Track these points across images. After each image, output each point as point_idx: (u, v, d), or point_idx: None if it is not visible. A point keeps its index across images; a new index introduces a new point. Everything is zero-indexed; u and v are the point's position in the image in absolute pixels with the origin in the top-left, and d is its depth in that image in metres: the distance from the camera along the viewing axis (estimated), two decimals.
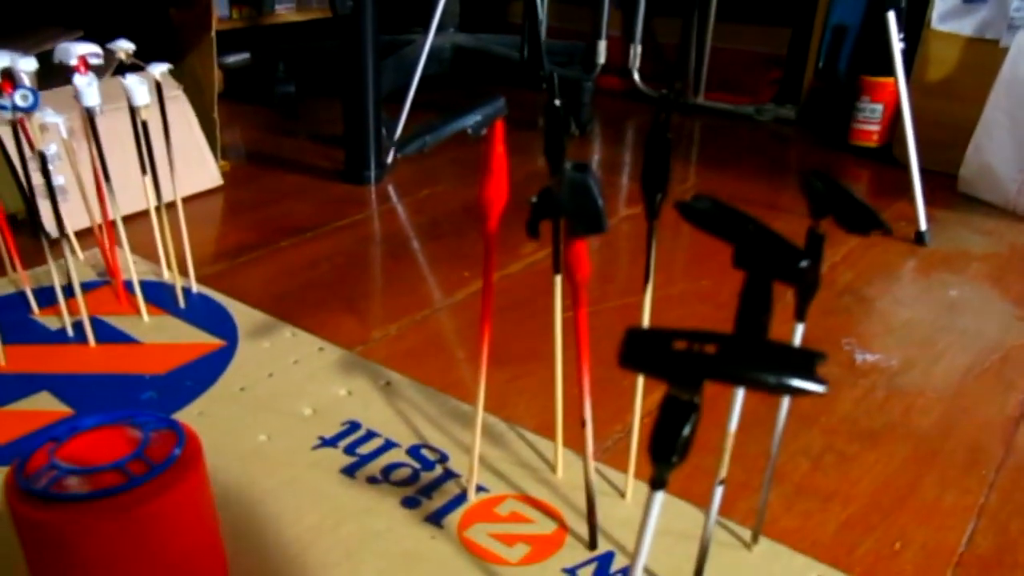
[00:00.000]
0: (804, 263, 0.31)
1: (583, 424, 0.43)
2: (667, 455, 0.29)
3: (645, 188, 0.44)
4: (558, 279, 0.50)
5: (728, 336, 0.28)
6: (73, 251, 0.89)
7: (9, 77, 0.65)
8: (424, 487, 0.57)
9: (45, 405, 0.66)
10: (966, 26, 1.28)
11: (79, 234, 0.91)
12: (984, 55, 1.25)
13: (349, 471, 0.59)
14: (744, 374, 0.27)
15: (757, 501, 0.57)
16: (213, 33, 1.16)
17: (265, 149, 1.40)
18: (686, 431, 0.29)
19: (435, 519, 0.54)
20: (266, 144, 1.43)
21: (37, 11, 1.30)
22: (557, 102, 0.45)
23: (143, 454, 0.44)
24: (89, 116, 0.69)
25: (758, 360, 0.27)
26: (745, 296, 0.34)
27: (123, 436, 0.46)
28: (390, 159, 0.33)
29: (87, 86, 0.66)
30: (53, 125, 0.69)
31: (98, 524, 0.41)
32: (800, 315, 0.41)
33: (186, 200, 1.13)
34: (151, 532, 0.42)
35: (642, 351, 0.28)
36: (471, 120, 0.38)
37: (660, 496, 0.30)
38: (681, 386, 0.28)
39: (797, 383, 0.27)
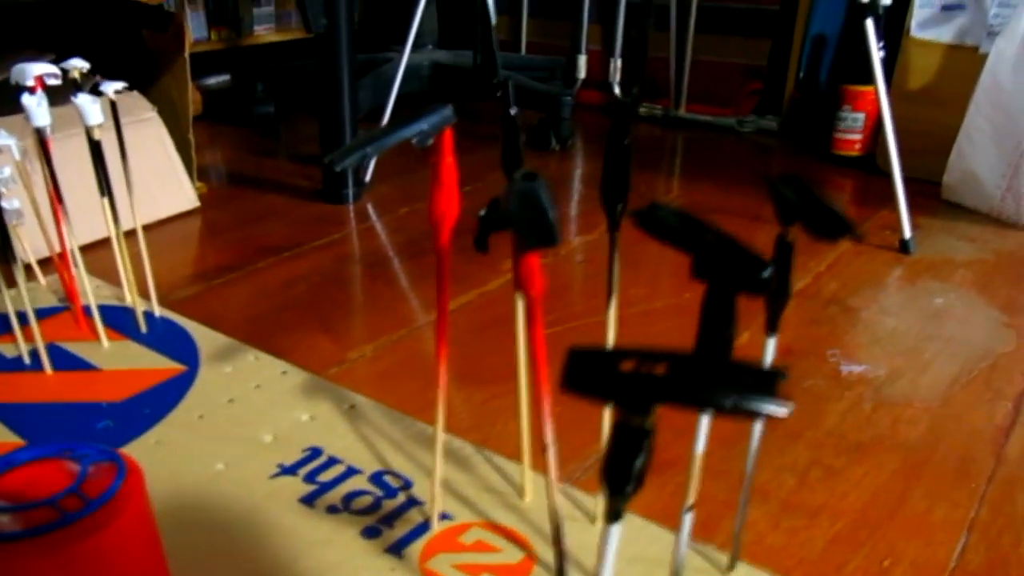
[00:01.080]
0: (767, 272, 0.29)
1: (543, 449, 0.41)
2: (621, 486, 0.27)
3: (605, 198, 0.42)
4: (519, 296, 0.47)
5: (680, 355, 0.26)
6: (32, 277, 0.87)
7: None
8: (385, 516, 0.55)
9: None
10: (945, 33, 1.27)
11: (45, 260, 0.89)
12: (964, 62, 1.24)
13: (308, 500, 0.56)
14: (697, 397, 0.25)
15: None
16: (187, 54, 1.15)
17: (244, 170, 1.39)
18: (639, 461, 0.26)
19: (395, 550, 0.52)
20: (245, 165, 1.41)
21: (7, 37, 1.28)
22: (513, 111, 0.43)
23: (79, 489, 0.41)
24: (40, 137, 0.67)
25: (713, 381, 0.25)
26: (706, 309, 0.32)
27: (61, 470, 0.43)
28: (337, 169, 0.31)
29: (36, 106, 0.64)
30: (6, 147, 0.67)
31: (28, 563, 0.38)
32: (771, 327, 0.39)
33: (161, 223, 1.12)
34: (86, 570, 0.40)
35: (586, 373, 0.26)
36: (416, 129, 0.36)
37: (617, 529, 0.28)
38: (630, 411, 0.26)
39: (756, 406, 0.24)
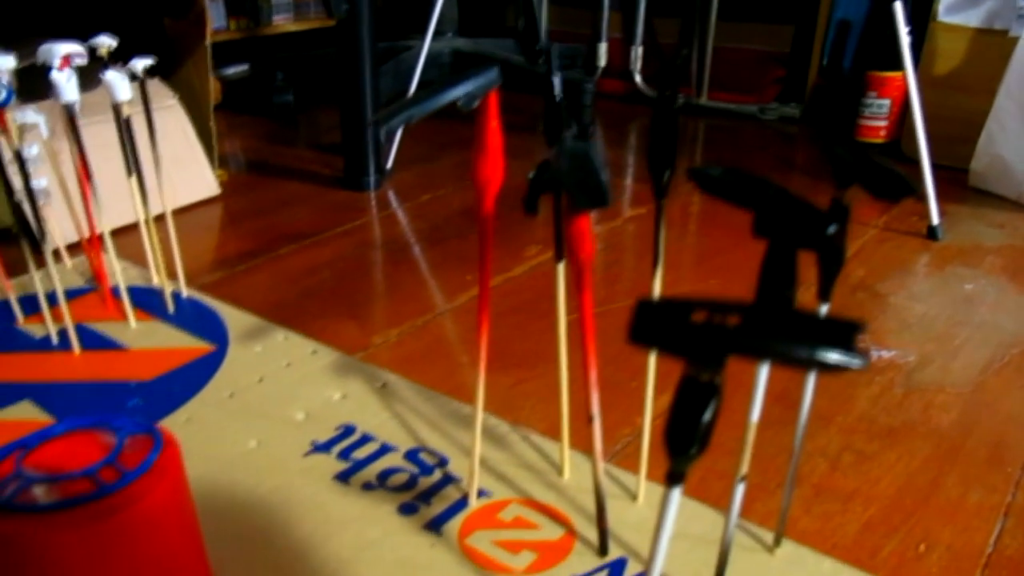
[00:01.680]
0: (832, 228, 0.28)
1: (590, 420, 0.40)
2: (686, 445, 0.26)
3: (651, 165, 0.41)
4: (560, 267, 0.46)
5: (752, 306, 0.25)
6: (59, 257, 0.87)
7: None
8: (422, 492, 0.54)
9: (26, 414, 0.63)
10: (973, 17, 1.25)
11: (72, 243, 0.89)
12: (993, 46, 1.22)
13: (343, 477, 0.55)
14: (773, 347, 0.24)
15: (774, 503, 0.55)
16: (208, 43, 1.15)
17: (264, 158, 1.38)
18: (707, 416, 0.25)
19: (434, 526, 0.51)
20: (265, 153, 1.41)
21: (31, 25, 1.28)
22: (556, 78, 0.43)
23: (116, 460, 0.41)
24: (69, 114, 0.66)
25: (788, 331, 0.24)
26: (767, 267, 0.31)
27: (96, 442, 0.43)
28: (383, 131, 0.31)
29: (66, 81, 0.63)
30: (34, 126, 0.67)
31: (64, 535, 0.38)
32: (824, 294, 0.38)
33: (184, 210, 1.11)
34: (122, 543, 0.39)
35: (655, 324, 0.25)
36: (461, 91, 0.35)
37: (677, 492, 0.27)
38: (702, 364, 0.25)
39: (834, 357, 0.23)
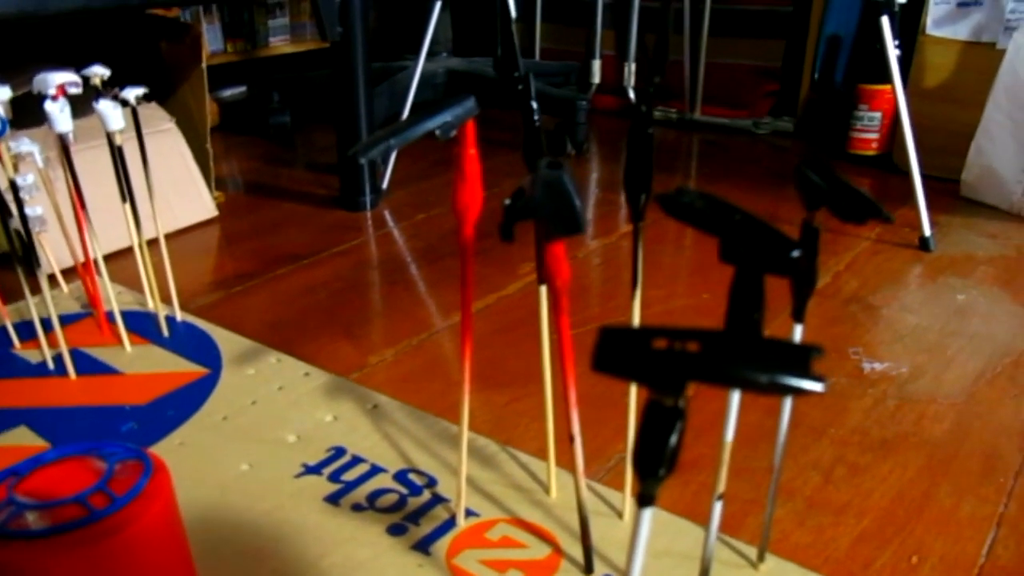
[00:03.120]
0: (796, 252, 0.29)
1: (571, 440, 0.40)
2: (653, 468, 0.26)
3: (628, 188, 0.42)
4: (543, 289, 0.47)
5: (712, 332, 0.26)
6: (55, 283, 0.88)
7: None
8: (411, 513, 0.54)
9: (22, 440, 0.64)
10: (961, 30, 1.27)
11: (67, 267, 0.90)
12: (981, 58, 1.24)
13: (333, 499, 0.56)
14: (731, 373, 0.25)
15: (763, 518, 0.55)
16: (204, 65, 1.16)
17: (261, 179, 1.40)
18: (672, 440, 0.26)
19: (423, 546, 0.51)
20: (262, 174, 1.42)
21: (27, 50, 1.30)
22: (534, 104, 0.44)
23: (106, 486, 0.41)
24: (63, 143, 0.68)
25: (746, 357, 0.25)
26: (734, 292, 0.32)
27: (87, 468, 0.43)
28: (362, 161, 0.31)
29: (59, 112, 0.64)
30: (28, 155, 0.68)
31: (56, 561, 0.39)
32: (798, 315, 0.39)
33: (180, 232, 1.12)
34: (113, 567, 0.40)
35: (618, 352, 0.26)
36: (439, 121, 0.36)
37: (649, 513, 0.28)
38: (663, 389, 0.26)
39: (791, 381, 0.24)
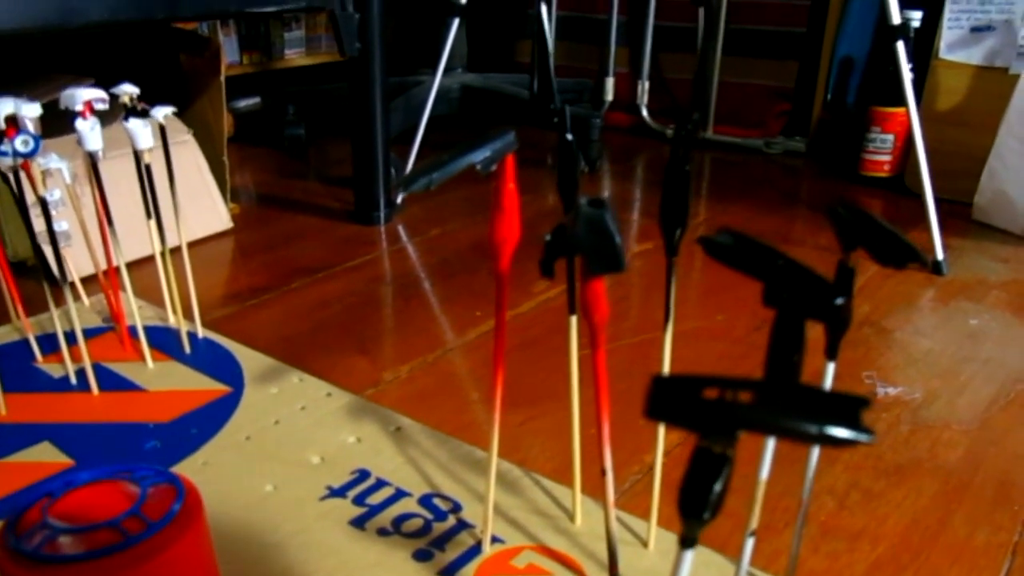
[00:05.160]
0: (840, 300, 0.30)
1: (603, 473, 0.41)
2: (698, 512, 0.27)
3: (664, 223, 0.42)
4: (573, 320, 0.48)
5: (762, 382, 0.26)
6: (77, 297, 0.88)
7: (13, 123, 0.64)
8: (436, 539, 0.55)
9: (45, 456, 0.64)
10: (975, 55, 1.27)
11: (87, 280, 0.90)
12: (994, 83, 1.24)
13: (358, 523, 0.56)
14: (783, 424, 0.25)
15: (780, 542, 0.55)
16: (222, 78, 1.17)
17: (275, 192, 1.40)
18: (718, 487, 0.26)
19: (448, 573, 0.52)
20: (276, 187, 1.43)
21: (48, 59, 1.31)
22: (569, 136, 0.44)
23: (140, 511, 0.42)
24: (92, 161, 0.68)
25: (797, 408, 0.25)
26: (776, 334, 0.32)
27: (120, 491, 0.44)
28: (399, 199, 0.32)
29: (90, 130, 0.65)
30: (56, 171, 0.69)
31: None
32: (832, 353, 0.39)
33: (196, 243, 1.13)
34: None
35: (670, 401, 0.26)
36: (480, 155, 0.37)
37: (690, 555, 0.28)
38: (714, 438, 0.26)
39: (842, 434, 0.24)
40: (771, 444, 0.38)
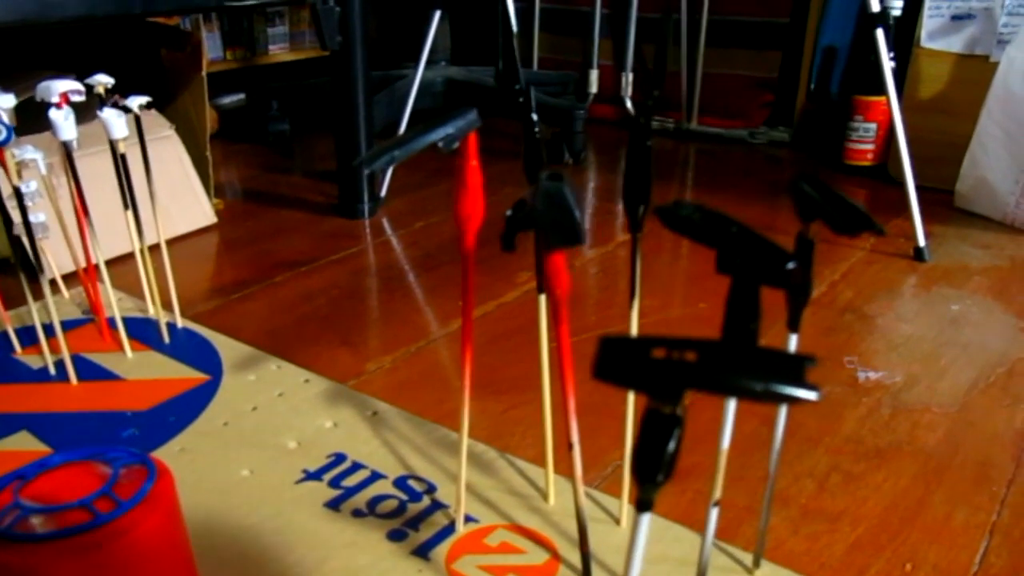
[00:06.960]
0: (791, 264, 0.30)
1: (570, 447, 0.41)
2: (652, 474, 0.27)
3: (627, 199, 0.42)
4: (542, 298, 0.48)
5: (710, 342, 0.26)
6: (56, 290, 0.88)
7: None
8: (411, 519, 0.55)
9: (23, 445, 0.64)
10: (955, 43, 1.28)
11: (68, 272, 0.90)
12: (974, 70, 1.25)
13: (334, 504, 0.57)
14: (728, 382, 0.25)
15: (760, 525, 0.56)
16: (204, 73, 1.17)
17: (260, 187, 1.40)
18: (670, 447, 0.27)
19: (422, 552, 0.52)
20: (261, 182, 1.43)
21: (29, 56, 1.31)
22: (535, 116, 0.44)
23: (111, 491, 0.42)
24: (67, 151, 0.68)
25: (743, 366, 0.26)
26: (731, 302, 0.33)
27: (92, 473, 0.44)
28: (365, 172, 0.32)
29: (64, 120, 0.65)
30: (32, 162, 0.69)
31: (61, 564, 0.39)
32: (793, 324, 0.40)
33: (180, 239, 1.13)
34: (117, 571, 0.40)
35: (617, 361, 0.26)
36: (442, 133, 0.37)
37: (647, 518, 0.29)
38: (661, 398, 0.26)
39: (786, 390, 0.25)
40: (730, 413, 0.38)
